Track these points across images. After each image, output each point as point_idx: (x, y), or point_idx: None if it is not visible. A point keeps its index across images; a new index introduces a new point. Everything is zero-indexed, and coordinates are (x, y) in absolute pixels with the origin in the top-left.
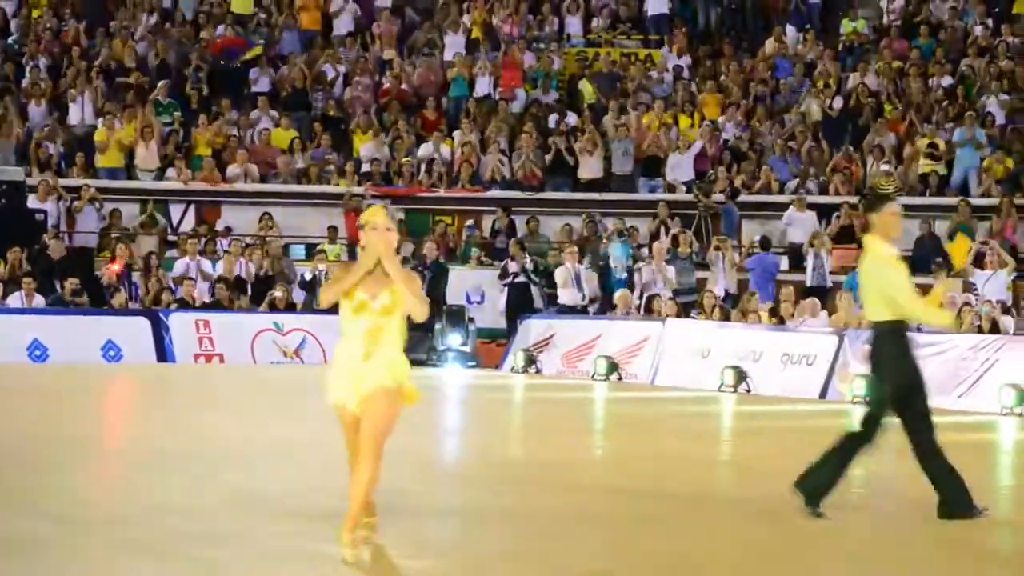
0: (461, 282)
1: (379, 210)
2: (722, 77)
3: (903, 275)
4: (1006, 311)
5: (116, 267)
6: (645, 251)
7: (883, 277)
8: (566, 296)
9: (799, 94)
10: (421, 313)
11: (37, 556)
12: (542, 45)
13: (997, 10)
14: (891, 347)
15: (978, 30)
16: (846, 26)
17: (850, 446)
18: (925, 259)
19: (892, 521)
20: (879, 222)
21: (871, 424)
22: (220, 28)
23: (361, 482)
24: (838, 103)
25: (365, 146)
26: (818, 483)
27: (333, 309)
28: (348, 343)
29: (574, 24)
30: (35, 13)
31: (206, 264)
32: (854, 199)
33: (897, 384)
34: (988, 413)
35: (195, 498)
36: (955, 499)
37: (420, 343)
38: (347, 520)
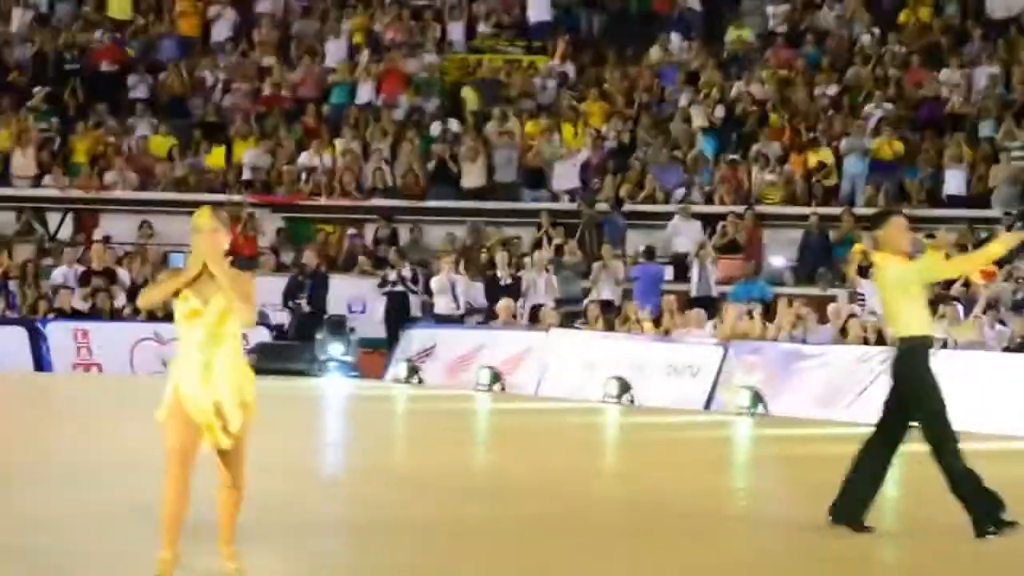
0: (343, 291)
1: (205, 211)
2: (606, 85)
3: (918, 262)
4: None
5: None
6: (528, 260)
7: (907, 279)
8: (442, 305)
9: (684, 102)
10: (247, 317)
11: None
12: (425, 51)
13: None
14: (922, 363)
15: (864, 39)
16: (731, 34)
17: (951, 464)
18: (812, 269)
19: (773, 532)
20: (886, 237)
21: (945, 437)
22: (98, 33)
23: (238, 499)
24: (722, 112)
25: (246, 153)
26: (974, 502)
27: None
28: (185, 351)
29: (456, 31)
30: None
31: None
32: (740, 208)
33: (931, 398)
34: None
35: (73, 513)
36: (850, 509)
37: (301, 353)
38: (224, 532)
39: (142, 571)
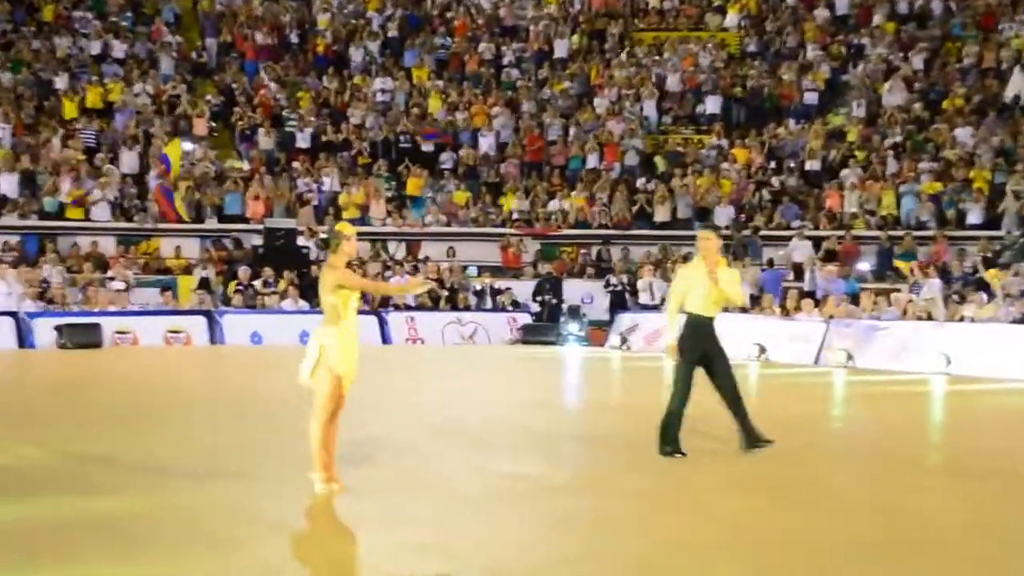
0: (577, 289)
1: (346, 224)
2: (750, 151)
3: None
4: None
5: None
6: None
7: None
8: (644, 298)
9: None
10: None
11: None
12: (633, 131)
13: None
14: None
15: (894, 104)
16: (831, 119)
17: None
18: (884, 272)
19: (860, 444)
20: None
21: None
22: (423, 123)
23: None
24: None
25: (515, 201)
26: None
27: (496, 308)
28: (349, 327)
29: (650, 108)
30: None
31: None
32: (840, 233)
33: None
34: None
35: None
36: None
37: (551, 330)
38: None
39: None
